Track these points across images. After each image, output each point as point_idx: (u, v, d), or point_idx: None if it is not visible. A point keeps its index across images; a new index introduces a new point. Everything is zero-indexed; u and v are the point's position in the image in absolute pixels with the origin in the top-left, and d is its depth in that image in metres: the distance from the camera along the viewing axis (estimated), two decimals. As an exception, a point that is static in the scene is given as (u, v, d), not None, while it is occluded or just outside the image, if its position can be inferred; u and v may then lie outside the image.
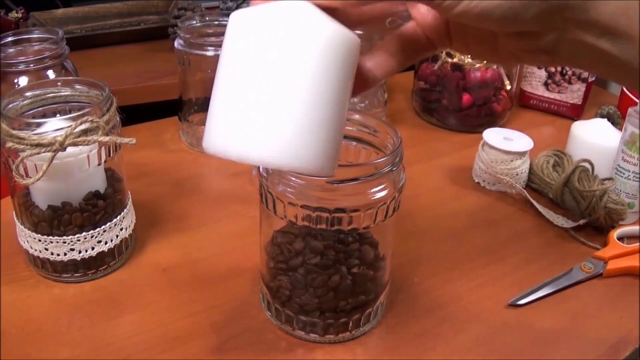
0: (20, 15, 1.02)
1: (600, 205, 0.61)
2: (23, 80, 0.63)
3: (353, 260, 0.46)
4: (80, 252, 0.52)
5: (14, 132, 0.45)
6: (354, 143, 0.48)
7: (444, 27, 0.34)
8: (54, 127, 0.46)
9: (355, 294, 0.46)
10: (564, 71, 0.88)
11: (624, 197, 0.64)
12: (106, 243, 0.53)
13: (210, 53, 0.71)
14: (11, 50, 0.65)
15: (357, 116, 0.47)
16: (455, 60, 0.81)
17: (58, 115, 0.51)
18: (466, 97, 0.83)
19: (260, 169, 0.44)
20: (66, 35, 0.68)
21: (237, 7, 0.96)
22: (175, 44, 0.73)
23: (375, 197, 0.42)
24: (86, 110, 0.47)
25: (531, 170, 0.70)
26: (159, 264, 0.56)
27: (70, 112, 0.51)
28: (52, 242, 0.51)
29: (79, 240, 0.51)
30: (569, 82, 0.88)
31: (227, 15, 0.77)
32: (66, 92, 0.52)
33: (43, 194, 0.50)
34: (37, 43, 0.66)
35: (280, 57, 0.28)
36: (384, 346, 0.48)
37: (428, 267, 0.57)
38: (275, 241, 0.47)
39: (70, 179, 0.50)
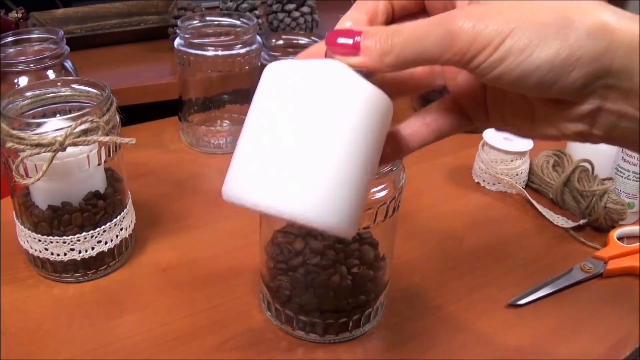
0: (20, 15, 1.02)
1: (600, 205, 0.61)
2: (23, 80, 0.63)
3: (353, 260, 0.46)
4: (80, 252, 0.52)
5: (14, 132, 0.45)
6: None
7: (481, 97, 0.33)
8: (54, 127, 0.46)
9: (355, 294, 0.46)
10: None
11: (624, 197, 0.64)
12: (106, 243, 0.53)
13: (210, 53, 0.71)
14: (11, 50, 0.65)
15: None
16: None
17: (58, 115, 0.51)
18: (466, 97, 0.83)
19: None
20: (66, 35, 0.68)
21: (237, 8, 0.96)
22: (175, 44, 0.73)
23: (375, 197, 0.42)
24: (86, 110, 0.47)
25: (531, 170, 0.70)
26: (159, 264, 0.56)
27: (70, 112, 0.51)
28: (52, 242, 0.51)
29: (79, 240, 0.51)
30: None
31: (227, 15, 0.78)
32: (66, 92, 0.52)
33: (43, 194, 0.50)
34: (37, 43, 0.66)
35: (319, 114, 0.28)
36: (384, 346, 0.48)
37: (428, 267, 0.57)
38: (276, 241, 0.47)
39: (70, 179, 0.50)
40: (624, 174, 0.64)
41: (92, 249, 0.52)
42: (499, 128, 0.34)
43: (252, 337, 0.48)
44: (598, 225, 0.63)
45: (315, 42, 0.79)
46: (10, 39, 0.65)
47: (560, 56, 0.25)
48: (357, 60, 0.29)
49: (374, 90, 0.29)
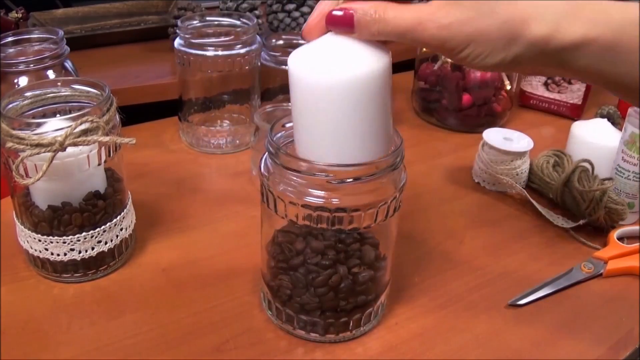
0: (20, 15, 1.02)
1: (600, 205, 0.61)
2: (23, 80, 0.63)
3: (354, 260, 0.46)
4: (80, 252, 0.52)
5: (14, 132, 0.45)
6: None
7: None
8: (54, 127, 0.46)
9: (355, 294, 0.46)
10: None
11: (624, 197, 0.64)
12: (106, 243, 0.53)
13: (210, 53, 0.71)
14: (11, 50, 0.65)
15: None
16: (455, 60, 0.81)
17: (58, 115, 0.51)
18: (466, 97, 0.83)
19: (261, 169, 0.44)
20: (66, 35, 0.67)
21: (237, 8, 0.96)
22: (175, 44, 0.73)
23: (376, 197, 0.42)
24: (86, 110, 0.47)
25: (531, 170, 0.70)
26: (159, 264, 0.56)
27: (70, 112, 0.51)
28: (52, 242, 0.51)
29: (79, 240, 0.51)
30: (569, 82, 0.88)
31: (227, 15, 0.78)
32: (66, 92, 0.52)
33: (43, 194, 0.50)
34: (37, 43, 0.66)
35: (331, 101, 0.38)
36: (384, 346, 0.48)
37: (428, 267, 0.57)
38: (276, 240, 0.47)
39: (70, 179, 0.50)
40: (624, 174, 0.64)
41: (92, 249, 0.52)
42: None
43: (252, 337, 0.48)
44: (598, 225, 0.63)
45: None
46: (10, 39, 0.65)
47: (504, 62, 0.33)
48: (354, 35, 0.37)
49: (376, 62, 0.37)
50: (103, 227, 0.52)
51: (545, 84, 0.90)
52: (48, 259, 0.52)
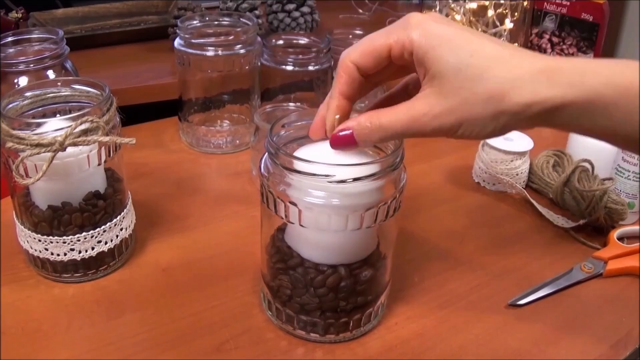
0: (20, 15, 1.02)
1: (600, 205, 0.61)
2: (23, 80, 0.63)
3: (354, 260, 0.46)
4: (80, 252, 0.52)
5: (14, 132, 0.45)
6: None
7: None
8: (54, 127, 0.46)
9: (355, 294, 0.46)
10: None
11: (624, 197, 0.64)
12: (106, 243, 0.53)
13: (210, 53, 0.71)
14: (11, 50, 0.65)
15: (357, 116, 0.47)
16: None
17: (58, 115, 0.51)
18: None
19: (261, 169, 0.44)
20: (66, 35, 0.68)
21: (237, 8, 0.96)
22: (175, 44, 0.73)
23: (376, 197, 0.42)
24: (86, 110, 0.47)
25: (531, 170, 0.70)
26: (159, 264, 0.56)
27: (70, 112, 0.51)
28: (52, 242, 0.51)
29: (79, 240, 0.51)
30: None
31: (227, 15, 0.78)
32: (66, 92, 0.52)
33: (43, 194, 0.50)
34: (37, 43, 0.66)
35: None
36: (384, 346, 0.48)
37: (428, 267, 0.57)
38: (276, 241, 0.47)
39: (70, 179, 0.50)
40: (624, 174, 0.64)
41: (92, 249, 0.52)
42: None
43: (252, 337, 0.48)
44: (598, 225, 0.63)
45: (316, 42, 0.79)
46: (10, 39, 0.65)
47: (496, 130, 0.36)
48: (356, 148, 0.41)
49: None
50: (103, 227, 0.52)
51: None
52: (48, 259, 0.52)
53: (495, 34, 0.88)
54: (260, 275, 0.50)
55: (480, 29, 0.88)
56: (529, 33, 0.94)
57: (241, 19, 0.76)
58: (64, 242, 0.51)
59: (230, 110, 0.79)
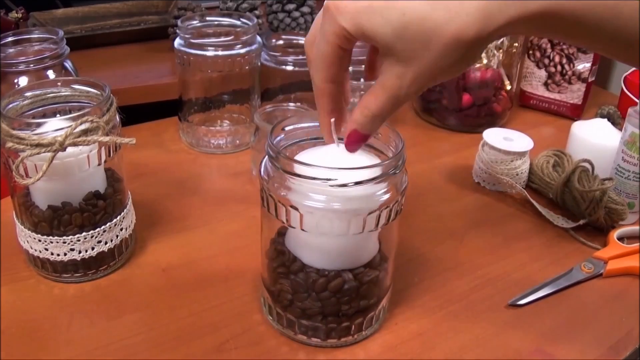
0: (20, 15, 1.02)
1: (600, 205, 0.61)
2: (23, 80, 0.63)
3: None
4: (80, 252, 0.52)
5: (14, 132, 0.45)
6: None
7: None
8: (54, 127, 0.46)
9: (358, 298, 0.46)
10: (564, 71, 0.88)
11: (624, 197, 0.64)
12: (106, 243, 0.53)
13: (210, 53, 0.71)
14: (11, 50, 0.65)
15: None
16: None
17: (58, 115, 0.51)
18: (466, 97, 0.83)
19: (261, 173, 0.43)
20: (66, 35, 0.68)
21: (237, 8, 0.96)
22: (175, 44, 0.73)
23: (378, 201, 0.41)
24: (86, 110, 0.47)
25: (531, 170, 0.70)
26: (159, 264, 0.56)
27: (70, 112, 0.51)
28: (52, 242, 0.51)
29: (79, 241, 0.51)
30: (569, 82, 0.88)
31: (227, 15, 0.78)
32: (66, 92, 0.52)
33: (43, 194, 0.50)
34: (37, 43, 0.66)
35: None
36: (384, 346, 0.48)
37: (428, 267, 0.57)
38: (277, 245, 0.47)
39: (70, 179, 0.50)
40: (624, 174, 0.64)
41: (92, 249, 0.52)
42: None
43: (252, 337, 0.48)
44: (598, 225, 0.63)
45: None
46: (10, 39, 0.65)
47: (469, 63, 0.36)
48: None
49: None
50: (103, 227, 0.52)
51: (545, 84, 0.90)
52: (48, 259, 0.52)
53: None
54: (260, 278, 0.50)
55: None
56: (529, 33, 0.94)
57: (241, 19, 0.76)
58: (64, 242, 0.51)
59: (230, 110, 0.79)
